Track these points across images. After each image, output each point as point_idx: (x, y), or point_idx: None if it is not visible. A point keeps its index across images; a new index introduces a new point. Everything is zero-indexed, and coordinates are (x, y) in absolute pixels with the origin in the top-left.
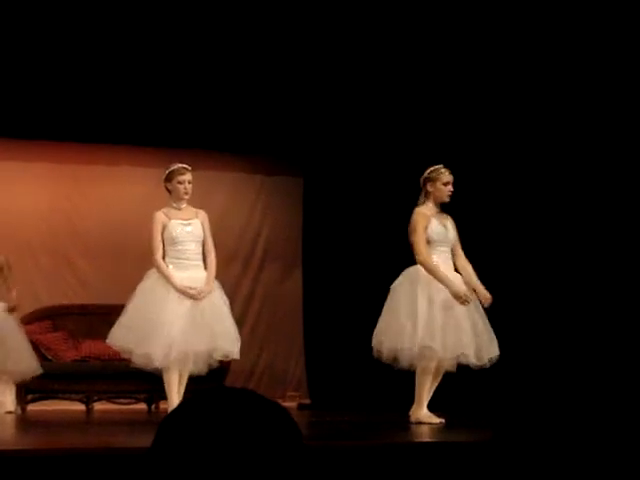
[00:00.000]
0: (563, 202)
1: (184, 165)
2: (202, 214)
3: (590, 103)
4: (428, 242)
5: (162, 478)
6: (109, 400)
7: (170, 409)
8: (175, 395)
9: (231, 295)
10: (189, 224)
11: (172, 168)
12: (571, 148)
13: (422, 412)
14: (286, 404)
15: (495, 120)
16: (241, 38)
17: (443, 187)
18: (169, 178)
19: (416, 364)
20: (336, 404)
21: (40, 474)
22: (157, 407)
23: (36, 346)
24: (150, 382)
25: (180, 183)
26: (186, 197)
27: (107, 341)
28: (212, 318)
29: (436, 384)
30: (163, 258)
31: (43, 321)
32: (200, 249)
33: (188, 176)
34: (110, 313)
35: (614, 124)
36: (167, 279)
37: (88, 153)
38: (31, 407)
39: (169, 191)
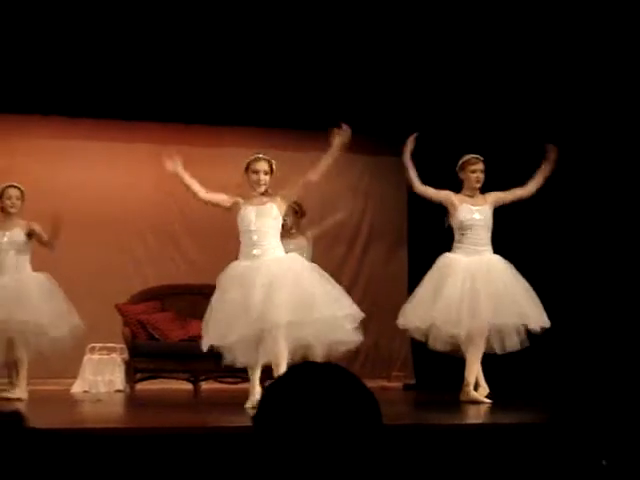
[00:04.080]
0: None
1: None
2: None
3: None
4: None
5: (263, 456)
6: (216, 379)
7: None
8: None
9: (336, 275)
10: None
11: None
12: None
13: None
14: (391, 384)
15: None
16: (360, 21)
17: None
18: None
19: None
20: (441, 384)
21: (148, 453)
22: (263, 386)
23: (144, 326)
24: None
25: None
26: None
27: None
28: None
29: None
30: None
31: (151, 301)
32: None
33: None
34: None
35: None
36: None
37: (192, 134)
38: (139, 386)
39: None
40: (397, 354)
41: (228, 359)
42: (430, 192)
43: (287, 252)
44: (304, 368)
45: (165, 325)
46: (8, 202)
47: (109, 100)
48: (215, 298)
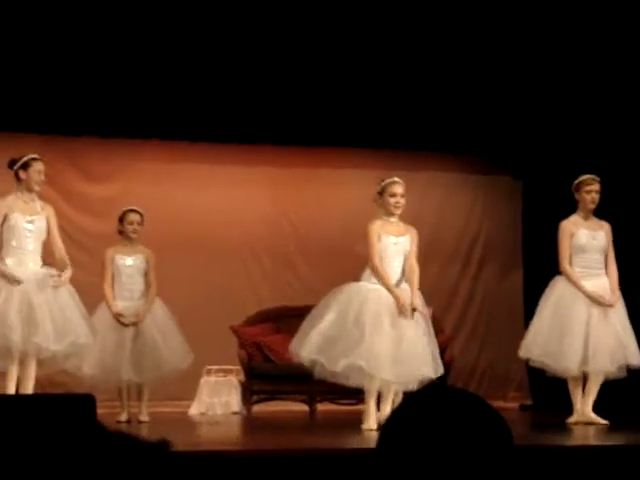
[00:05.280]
0: None
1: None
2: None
3: None
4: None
5: (386, 478)
6: (332, 401)
7: None
8: None
9: (451, 294)
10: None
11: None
12: None
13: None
14: (508, 405)
15: None
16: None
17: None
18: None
19: None
20: (558, 405)
21: (265, 475)
22: (378, 409)
23: (260, 347)
24: None
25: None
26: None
27: None
28: None
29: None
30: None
31: (266, 323)
32: None
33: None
34: None
35: None
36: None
37: (308, 156)
38: (256, 408)
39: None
40: (513, 374)
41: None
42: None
43: None
44: (429, 392)
45: (281, 347)
46: (130, 227)
47: (225, 124)
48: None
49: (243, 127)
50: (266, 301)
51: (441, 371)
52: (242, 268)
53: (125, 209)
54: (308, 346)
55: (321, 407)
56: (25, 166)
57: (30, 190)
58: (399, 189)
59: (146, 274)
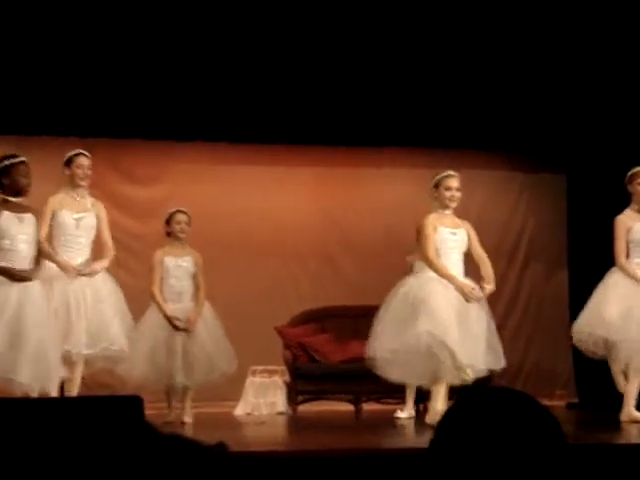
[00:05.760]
0: None
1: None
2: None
3: None
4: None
5: (440, 478)
6: (377, 400)
7: None
8: None
9: (496, 292)
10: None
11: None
12: None
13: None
14: (554, 403)
15: None
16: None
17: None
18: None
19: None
20: (606, 403)
21: (311, 475)
22: (425, 408)
23: (304, 348)
24: None
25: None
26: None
27: None
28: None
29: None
30: None
31: (310, 323)
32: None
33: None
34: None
35: None
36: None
37: (351, 156)
38: (301, 408)
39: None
40: (560, 372)
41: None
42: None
43: None
44: (482, 391)
45: (325, 347)
46: (177, 227)
47: (268, 125)
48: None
49: (286, 128)
50: (310, 301)
51: (503, 364)
52: (286, 268)
53: (172, 210)
54: (379, 344)
55: (367, 407)
56: (68, 162)
57: (76, 186)
58: (454, 182)
59: (194, 277)
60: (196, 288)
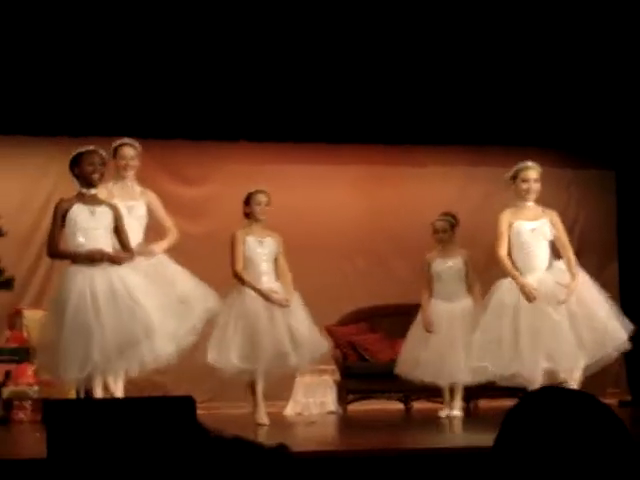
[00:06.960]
0: None
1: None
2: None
3: None
4: None
5: (506, 475)
6: (427, 399)
7: None
8: None
9: None
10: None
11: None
12: None
13: None
14: (606, 401)
15: None
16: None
17: None
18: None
19: None
20: None
21: (362, 474)
22: (476, 406)
23: (354, 347)
24: None
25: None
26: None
27: None
28: None
29: None
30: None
31: (360, 322)
32: None
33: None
34: None
35: None
36: None
37: (398, 154)
38: (351, 407)
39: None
40: (611, 370)
41: None
42: None
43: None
44: (546, 391)
45: (375, 346)
46: (257, 208)
47: (315, 124)
48: None
49: (332, 127)
50: (360, 300)
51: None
52: (336, 267)
53: (251, 191)
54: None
55: (417, 405)
56: (114, 153)
57: (121, 177)
58: (532, 174)
59: (276, 259)
60: (280, 269)
